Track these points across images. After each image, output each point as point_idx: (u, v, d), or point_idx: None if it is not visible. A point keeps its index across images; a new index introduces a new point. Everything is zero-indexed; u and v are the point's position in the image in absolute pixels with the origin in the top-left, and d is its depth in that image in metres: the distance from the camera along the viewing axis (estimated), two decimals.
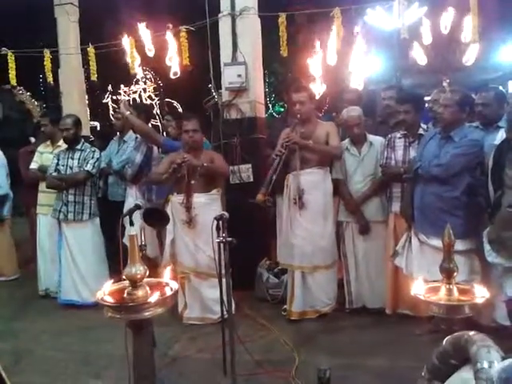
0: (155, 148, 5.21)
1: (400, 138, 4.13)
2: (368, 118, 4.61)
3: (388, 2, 6.24)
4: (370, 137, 4.41)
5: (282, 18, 5.93)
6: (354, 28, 6.18)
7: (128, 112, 4.70)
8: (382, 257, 4.23)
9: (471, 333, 0.93)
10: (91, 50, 6.23)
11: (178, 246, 4.32)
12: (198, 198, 4.22)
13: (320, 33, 6.26)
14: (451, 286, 2.20)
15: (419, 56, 6.04)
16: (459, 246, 3.38)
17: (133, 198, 4.94)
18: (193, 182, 4.20)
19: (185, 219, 4.21)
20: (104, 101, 8.72)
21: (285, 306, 4.31)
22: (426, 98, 4.54)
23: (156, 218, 3.98)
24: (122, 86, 8.65)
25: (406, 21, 5.90)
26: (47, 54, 6.38)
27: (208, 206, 4.21)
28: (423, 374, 1.00)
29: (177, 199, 4.26)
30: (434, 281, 2.40)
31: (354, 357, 3.45)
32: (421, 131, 4.08)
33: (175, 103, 8.52)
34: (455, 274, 2.20)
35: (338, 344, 3.70)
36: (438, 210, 3.54)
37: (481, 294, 2.20)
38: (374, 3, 6.88)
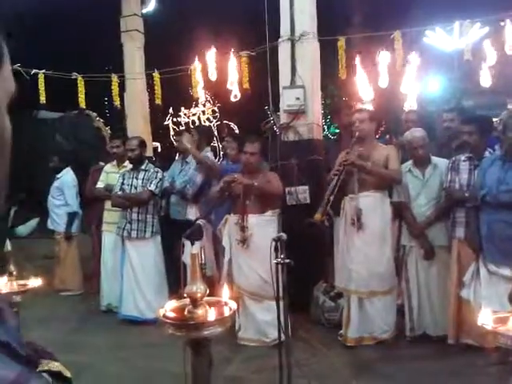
0: (215, 169, 5.35)
1: (465, 160, 4.00)
2: (430, 141, 4.52)
3: (449, 24, 6.17)
4: (435, 159, 4.30)
5: (341, 42, 5.99)
6: (411, 50, 6.15)
7: (189, 145, 4.92)
8: (446, 283, 4.10)
9: None
10: (156, 75, 6.51)
11: (233, 266, 4.38)
12: (253, 219, 4.28)
13: (378, 55, 6.26)
14: None
15: (484, 77, 5.89)
16: None
17: (193, 217, 5.07)
18: (247, 202, 4.28)
19: (239, 239, 4.28)
20: (165, 123, 9.04)
21: (341, 331, 4.25)
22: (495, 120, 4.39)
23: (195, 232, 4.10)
24: (182, 108, 8.95)
25: (468, 42, 5.81)
26: (115, 78, 6.72)
27: (262, 227, 4.27)
28: None
29: (233, 219, 4.35)
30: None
31: None
32: (487, 154, 3.96)
33: (232, 125, 8.72)
34: None
35: (398, 373, 3.58)
36: (509, 238, 3.39)
37: None
38: (434, 25, 6.81)
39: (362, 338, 4.15)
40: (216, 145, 8.37)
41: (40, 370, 0.52)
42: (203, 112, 9.09)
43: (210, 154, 5.50)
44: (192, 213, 5.16)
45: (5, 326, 0.45)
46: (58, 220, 6.18)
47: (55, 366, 0.56)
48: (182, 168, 5.53)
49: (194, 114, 9.00)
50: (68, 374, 0.61)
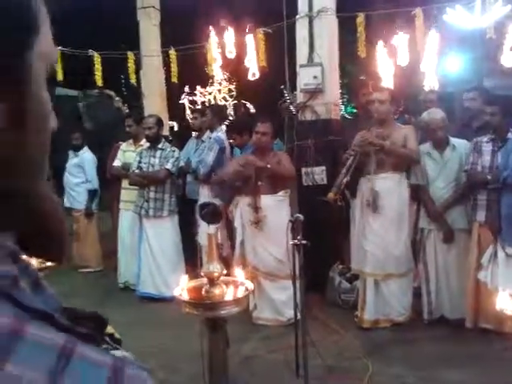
0: (228, 149, 5.32)
1: (487, 142, 3.91)
2: (449, 122, 4.43)
3: (470, 1, 6.00)
4: (453, 140, 4.21)
5: (361, 18, 5.86)
6: (431, 28, 6.01)
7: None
8: (464, 267, 4.04)
9: None
10: (172, 52, 6.44)
11: (246, 247, 4.40)
12: (265, 200, 4.30)
13: (397, 33, 6.13)
14: None
15: (506, 57, 5.73)
16: None
17: (205, 197, 5.06)
18: (260, 183, 4.29)
19: (253, 220, 4.29)
20: (181, 101, 8.95)
21: (357, 313, 4.24)
22: None
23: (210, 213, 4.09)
24: (198, 86, 8.85)
25: (491, 20, 5.65)
26: (131, 56, 6.66)
27: (275, 207, 4.32)
28: None
29: (245, 201, 4.36)
30: None
31: (430, 369, 3.33)
32: (510, 136, 3.86)
33: (249, 104, 8.61)
34: None
35: (414, 355, 3.58)
36: None
37: None
38: (454, 2, 6.63)
39: (377, 320, 4.14)
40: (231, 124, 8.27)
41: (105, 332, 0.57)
42: (219, 91, 9.00)
43: (222, 134, 5.45)
44: (204, 193, 5.14)
45: (44, 295, 0.45)
46: (77, 197, 6.21)
47: (109, 328, 0.60)
48: (198, 147, 5.51)
49: (209, 93, 8.91)
50: (118, 335, 0.66)
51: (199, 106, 8.14)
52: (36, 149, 0.48)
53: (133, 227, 5.28)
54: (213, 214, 4.08)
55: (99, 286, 5.63)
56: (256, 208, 4.29)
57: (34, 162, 0.48)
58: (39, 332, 0.37)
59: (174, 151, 5.08)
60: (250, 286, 2.78)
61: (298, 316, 3.25)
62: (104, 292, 5.36)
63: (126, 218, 5.43)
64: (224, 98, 8.89)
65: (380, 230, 4.12)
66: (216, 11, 7.04)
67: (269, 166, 4.25)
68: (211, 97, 8.78)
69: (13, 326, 0.36)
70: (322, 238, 4.44)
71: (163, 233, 5.03)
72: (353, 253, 4.43)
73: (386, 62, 6.12)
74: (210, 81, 8.52)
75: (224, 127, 5.71)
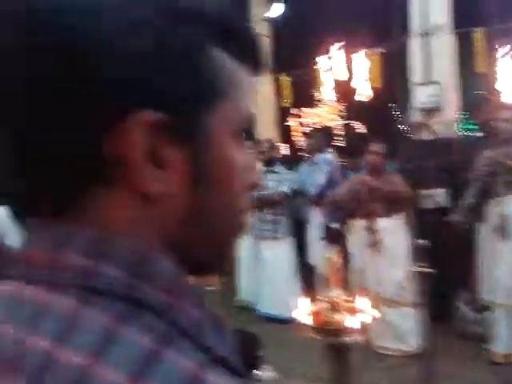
0: (338, 170, 5.31)
1: None
2: None
3: None
4: None
5: (478, 34, 5.61)
6: None
7: None
8: None
9: None
10: (284, 78, 6.60)
11: (366, 273, 4.30)
12: (381, 222, 4.19)
13: None
14: None
15: None
16: None
17: (316, 219, 5.07)
18: (374, 205, 4.18)
19: (369, 243, 4.20)
20: (289, 123, 9.06)
21: (486, 346, 3.96)
22: None
23: (334, 235, 4.09)
24: (307, 109, 8.91)
25: None
26: None
27: (392, 230, 4.19)
28: None
29: (360, 224, 4.28)
30: None
31: None
32: None
33: (359, 125, 8.50)
34: None
35: None
36: None
37: None
38: None
39: (511, 355, 3.83)
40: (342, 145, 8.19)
41: None
42: (328, 112, 8.99)
43: (330, 155, 5.46)
44: (315, 215, 5.15)
45: (222, 336, 0.43)
46: None
47: None
48: (310, 169, 5.55)
49: (318, 115, 8.93)
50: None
51: (308, 129, 8.22)
52: (215, 211, 0.44)
53: (250, 247, 5.39)
54: (336, 236, 4.10)
55: (219, 304, 5.79)
56: (372, 230, 4.21)
57: (215, 229, 0.45)
58: (217, 380, 0.37)
59: (288, 174, 5.19)
60: (375, 313, 2.71)
61: (423, 346, 3.11)
62: (224, 311, 5.50)
63: (243, 238, 5.59)
64: (333, 119, 8.87)
65: (510, 256, 3.84)
66: (326, 34, 7.11)
67: (384, 188, 4.17)
68: (320, 119, 8.79)
69: (195, 373, 0.36)
70: (444, 264, 4.21)
71: (280, 254, 5.10)
72: (481, 282, 4.16)
73: (508, 77, 5.78)
74: (318, 103, 8.56)
75: (332, 149, 5.72)
